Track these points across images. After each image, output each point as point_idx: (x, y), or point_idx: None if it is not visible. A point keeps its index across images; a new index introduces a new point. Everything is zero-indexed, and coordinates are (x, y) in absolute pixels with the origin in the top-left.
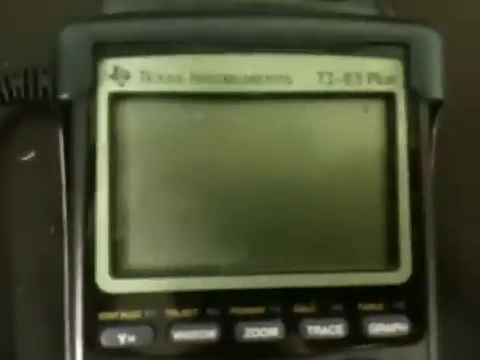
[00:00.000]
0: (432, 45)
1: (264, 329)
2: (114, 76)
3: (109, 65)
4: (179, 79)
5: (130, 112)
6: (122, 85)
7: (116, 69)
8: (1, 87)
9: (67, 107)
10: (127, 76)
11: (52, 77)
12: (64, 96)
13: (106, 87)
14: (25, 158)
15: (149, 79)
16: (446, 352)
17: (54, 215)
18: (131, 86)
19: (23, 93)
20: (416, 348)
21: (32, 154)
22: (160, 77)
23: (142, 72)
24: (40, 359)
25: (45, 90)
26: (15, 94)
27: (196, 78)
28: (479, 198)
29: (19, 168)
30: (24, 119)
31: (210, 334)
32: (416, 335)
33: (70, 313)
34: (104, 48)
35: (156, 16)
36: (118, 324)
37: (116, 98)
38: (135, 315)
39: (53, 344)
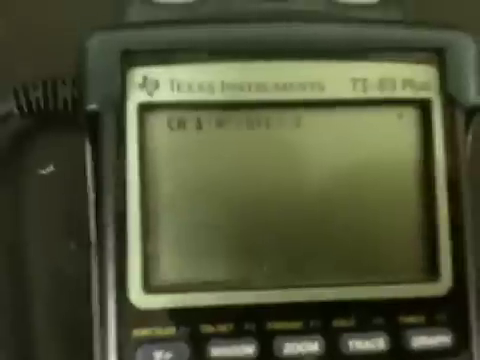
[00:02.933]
0: (467, 50)
1: (304, 344)
2: (143, 85)
3: (138, 74)
4: (210, 88)
5: (160, 122)
6: (151, 95)
7: (145, 78)
8: (20, 98)
9: (94, 118)
10: (156, 85)
11: (78, 87)
12: (92, 107)
13: (135, 97)
14: (44, 171)
15: (179, 88)
16: None
17: (74, 230)
18: (160, 96)
19: (43, 104)
20: None
21: (51, 167)
22: (190, 86)
23: (171, 81)
24: None
25: (65, 101)
26: (34, 106)
27: (227, 87)
28: None
29: (38, 181)
30: (43, 131)
31: (248, 350)
32: (459, 347)
33: (101, 331)
34: (132, 56)
35: (185, 24)
36: (153, 341)
37: (145, 108)
38: (170, 331)
39: None
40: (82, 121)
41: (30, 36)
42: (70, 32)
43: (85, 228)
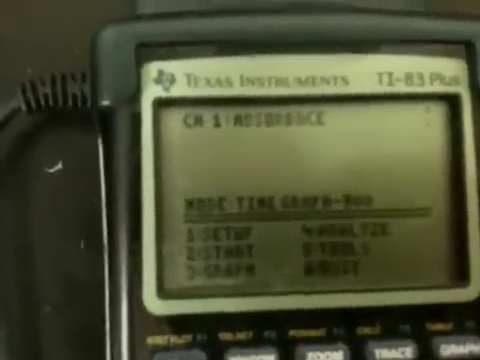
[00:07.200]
0: None
1: (327, 353)
2: (158, 80)
3: (153, 68)
4: (228, 83)
5: (176, 119)
6: (167, 90)
7: (161, 73)
8: (27, 95)
9: (108, 115)
10: (172, 80)
11: (90, 83)
12: (105, 103)
13: (150, 92)
14: (52, 170)
15: (196, 83)
16: None
17: (84, 229)
18: (177, 91)
19: (51, 101)
20: None
21: (59, 166)
22: (207, 81)
23: (188, 76)
24: None
25: (74, 97)
26: (43, 102)
27: (246, 81)
28: None
29: (45, 180)
30: (51, 128)
31: (269, 359)
32: None
33: (113, 338)
34: (148, 50)
35: (202, 15)
36: (169, 349)
37: (161, 104)
38: (186, 339)
39: None
40: (94, 118)
41: (40, 34)
42: (80, 29)
43: (95, 228)
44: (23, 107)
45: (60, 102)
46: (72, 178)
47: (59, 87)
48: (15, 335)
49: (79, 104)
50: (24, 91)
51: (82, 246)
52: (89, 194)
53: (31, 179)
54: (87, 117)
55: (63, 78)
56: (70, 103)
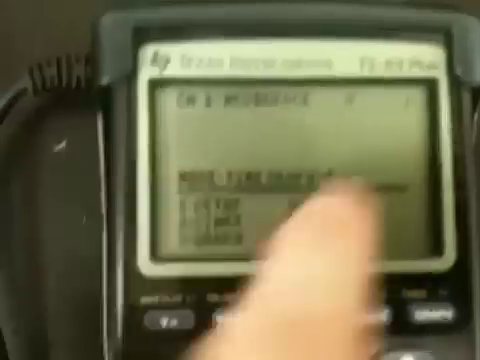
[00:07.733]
0: (474, 31)
1: None
2: (154, 61)
3: (149, 50)
4: (219, 64)
5: (170, 98)
6: (162, 70)
7: (156, 54)
8: (34, 76)
9: (106, 93)
10: (167, 61)
11: (92, 63)
12: (104, 82)
13: (146, 72)
14: (57, 148)
15: (189, 64)
16: None
17: (86, 206)
18: (171, 71)
19: (56, 82)
20: (461, 335)
21: (63, 144)
22: (200, 62)
23: (182, 57)
24: (70, 352)
25: (78, 79)
26: (48, 83)
27: (235, 63)
28: None
29: (51, 159)
30: (56, 108)
31: None
32: (461, 322)
33: (109, 299)
34: (144, 33)
35: (196, 1)
36: (160, 308)
37: (156, 84)
38: (177, 299)
39: (84, 338)
40: (94, 96)
41: (45, 17)
42: (85, 13)
43: (98, 205)
44: (29, 88)
45: (64, 83)
46: (77, 157)
47: (64, 68)
48: (20, 307)
49: (82, 85)
50: (31, 72)
51: (84, 221)
52: (93, 171)
53: (37, 157)
54: (90, 97)
55: (68, 60)
56: (74, 84)
